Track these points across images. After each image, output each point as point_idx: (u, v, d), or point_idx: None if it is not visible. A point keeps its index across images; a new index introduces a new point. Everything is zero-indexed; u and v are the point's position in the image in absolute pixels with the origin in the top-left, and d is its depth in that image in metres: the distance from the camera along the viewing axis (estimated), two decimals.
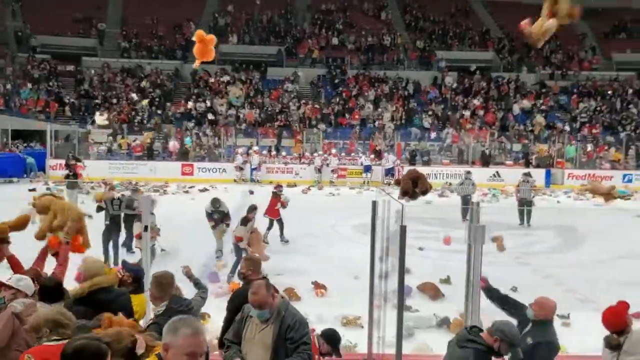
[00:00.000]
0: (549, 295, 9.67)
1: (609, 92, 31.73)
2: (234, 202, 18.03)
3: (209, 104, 29.68)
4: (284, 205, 12.70)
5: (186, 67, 32.84)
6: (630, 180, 24.35)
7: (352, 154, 26.45)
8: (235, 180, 24.23)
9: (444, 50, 34.93)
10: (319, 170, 24.53)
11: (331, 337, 4.84)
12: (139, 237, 10.10)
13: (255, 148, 25.70)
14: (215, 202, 11.81)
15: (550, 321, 4.37)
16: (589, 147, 27.11)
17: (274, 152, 26.67)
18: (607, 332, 7.84)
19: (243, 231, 10.21)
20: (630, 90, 31.92)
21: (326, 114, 29.64)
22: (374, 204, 4.81)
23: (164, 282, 4.09)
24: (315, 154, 25.60)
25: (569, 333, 7.94)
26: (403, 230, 3.69)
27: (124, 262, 5.07)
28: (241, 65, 33.39)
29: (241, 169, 24.71)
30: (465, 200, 16.63)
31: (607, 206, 19.16)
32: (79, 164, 21.58)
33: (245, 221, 10.39)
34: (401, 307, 3.77)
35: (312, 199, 19.99)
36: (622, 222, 16.19)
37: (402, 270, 3.75)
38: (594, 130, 28.80)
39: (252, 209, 10.72)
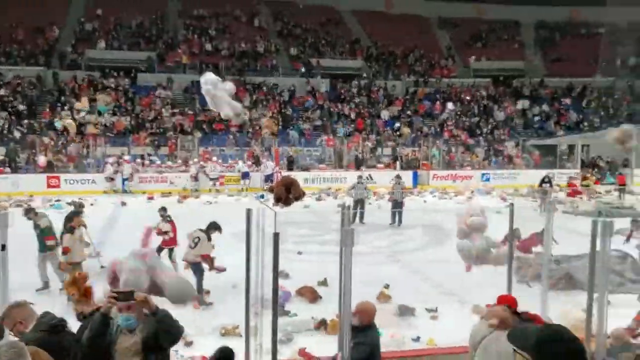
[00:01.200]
0: (417, 289, 10.34)
1: (467, 98, 34.35)
2: (105, 214, 17.20)
3: (75, 112, 27.97)
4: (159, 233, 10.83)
5: (49, 73, 30.74)
6: (488, 179, 26.54)
7: (230, 161, 26.20)
8: (105, 192, 23.06)
9: (316, 58, 35.82)
10: (196, 179, 24.05)
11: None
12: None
13: (127, 157, 24.62)
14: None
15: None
16: (452, 150, 29.14)
17: (146, 161, 25.73)
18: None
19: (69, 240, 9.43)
20: (486, 95, 34.84)
21: (201, 120, 29.15)
22: (249, 211, 4.86)
23: None
24: (191, 162, 25.08)
25: (436, 326, 8.49)
26: (276, 237, 3.78)
27: None
28: (110, 71, 31.87)
29: (112, 179, 23.56)
30: (357, 204, 17.12)
31: (469, 204, 20.71)
32: None
33: (71, 229, 9.63)
34: (276, 313, 3.85)
35: (188, 209, 19.55)
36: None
37: (276, 276, 3.83)
38: (454, 133, 30.97)
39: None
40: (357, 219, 16.70)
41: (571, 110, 33.79)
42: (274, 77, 33.98)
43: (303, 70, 35.00)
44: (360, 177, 19.25)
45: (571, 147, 29.64)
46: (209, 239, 9.46)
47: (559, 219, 14.24)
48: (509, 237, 5.69)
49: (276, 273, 3.80)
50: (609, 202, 19.62)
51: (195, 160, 25.31)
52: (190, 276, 8.94)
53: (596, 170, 27.37)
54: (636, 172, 26.21)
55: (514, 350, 2.09)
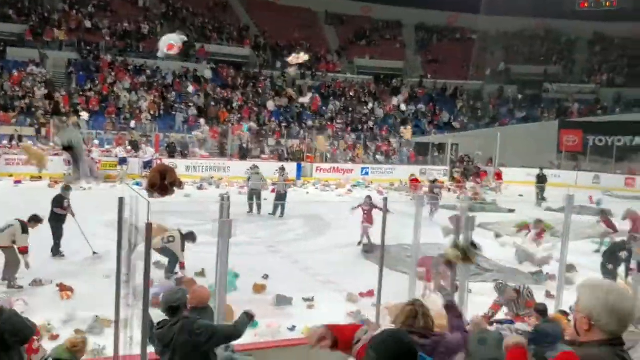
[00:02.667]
0: (296, 278, 10.52)
1: (351, 94, 35.35)
2: None
3: None
4: None
5: None
6: (367, 173, 27.55)
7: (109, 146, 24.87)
8: None
9: (202, 43, 34.98)
10: (69, 162, 22.54)
11: None
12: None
13: None
14: None
15: (205, 307, 4.74)
16: (335, 144, 29.86)
17: (14, 142, 23.72)
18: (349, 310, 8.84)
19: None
20: (367, 92, 36.07)
21: (77, 103, 27.39)
22: (121, 200, 4.66)
23: None
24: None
25: (313, 315, 8.71)
26: (149, 227, 3.67)
27: None
28: None
29: None
30: (254, 194, 17.05)
31: (348, 196, 21.40)
32: None
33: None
34: (146, 305, 3.75)
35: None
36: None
37: (148, 267, 3.73)
38: (336, 127, 31.77)
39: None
40: (267, 211, 16.73)
41: (444, 111, 35.94)
42: (157, 60, 32.70)
43: (188, 54, 34.03)
44: (255, 166, 19.02)
45: (442, 145, 31.55)
46: (25, 230, 9.15)
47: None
48: (382, 227, 5.96)
49: (148, 263, 3.70)
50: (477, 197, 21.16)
51: None
52: None
53: (464, 167, 29.34)
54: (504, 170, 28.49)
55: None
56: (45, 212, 10.51)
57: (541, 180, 23.20)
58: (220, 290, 4.13)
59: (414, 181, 21.87)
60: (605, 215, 14.16)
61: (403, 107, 34.25)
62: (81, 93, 28.13)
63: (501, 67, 39.50)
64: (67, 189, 11.63)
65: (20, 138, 23.94)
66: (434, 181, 19.60)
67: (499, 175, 26.28)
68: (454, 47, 40.78)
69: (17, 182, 20.32)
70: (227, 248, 4.01)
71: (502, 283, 8.01)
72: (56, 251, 10.92)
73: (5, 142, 23.38)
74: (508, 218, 17.62)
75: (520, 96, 37.57)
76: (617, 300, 2.22)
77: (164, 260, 9.90)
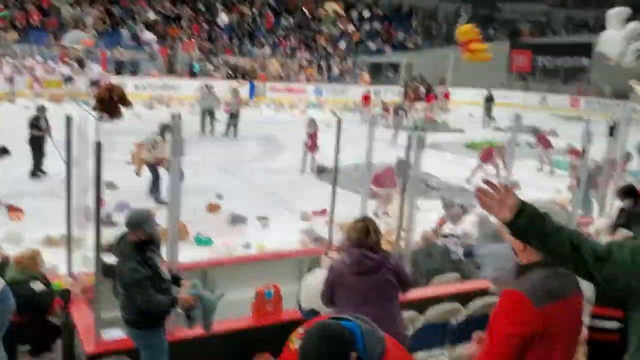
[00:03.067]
0: (250, 198, 10.61)
1: (304, 9, 34.29)
2: None
3: None
4: None
5: None
6: (320, 93, 27.33)
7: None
8: None
9: None
10: (11, 81, 21.48)
11: None
12: None
13: None
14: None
15: None
16: (288, 62, 29.30)
17: None
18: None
19: None
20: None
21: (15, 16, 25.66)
22: (69, 119, 4.54)
23: None
24: (3, 61, 22.27)
25: (267, 233, 8.91)
26: (98, 146, 3.61)
27: None
28: None
29: None
30: (207, 114, 16.78)
31: (301, 117, 21.32)
32: None
33: None
34: (98, 225, 3.75)
35: (4, 113, 17.63)
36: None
37: (99, 187, 3.70)
38: (289, 46, 31.06)
39: None
40: (220, 131, 16.59)
41: (399, 30, 35.50)
42: None
43: None
44: (207, 85, 18.56)
45: (396, 66, 31.42)
46: None
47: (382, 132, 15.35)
48: (336, 146, 6.01)
49: (98, 184, 3.67)
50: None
51: (8, 60, 22.47)
52: None
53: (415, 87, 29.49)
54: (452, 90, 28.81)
55: None
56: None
57: (489, 100, 23.67)
58: (172, 209, 4.14)
59: (366, 98, 22.11)
60: (539, 133, 14.75)
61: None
62: (19, 6, 26.32)
63: None
64: (42, 109, 11.13)
65: None
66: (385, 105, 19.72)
67: (446, 96, 26.72)
68: None
69: None
70: (180, 166, 3.99)
71: (448, 199, 8.34)
72: (35, 172, 10.68)
73: None
74: (458, 138, 18.08)
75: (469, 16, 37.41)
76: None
77: (116, 178, 9.71)
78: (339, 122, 5.81)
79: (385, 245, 4.01)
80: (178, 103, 21.89)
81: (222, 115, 17.61)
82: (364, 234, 3.57)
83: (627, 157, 9.56)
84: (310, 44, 31.82)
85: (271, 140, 16.46)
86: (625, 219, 5.61)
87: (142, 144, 9.90)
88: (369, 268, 3.49)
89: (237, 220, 9.28)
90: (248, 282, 5.01)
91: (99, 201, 3.71)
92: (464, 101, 27.84)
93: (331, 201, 5.90)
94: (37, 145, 10.65)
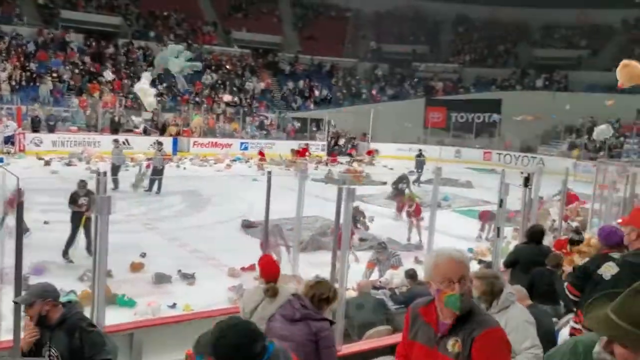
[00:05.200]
0: (174, 256, 10.31)
1: (228, 67, 34.71)
2: None
3: None
4: None
5: None
6: (246, 148, 27.39)
7: None
8: None
9: (68, 10, 32.38)
10: None
11: None
12: None
13: None
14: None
15: None
16: (213, 117, 29.29)
17: None
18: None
19: None
20: (245, 66, 35.62)
21: None
22: None
23: None
24: None
25: (193, 291, 8.65)
26: (20, 206, 3.45)
27: None
28: None
29: None
30: (115, 169, 16.64)
31: (227, 171, 21.26)
32: None
33: None
34: (19, 288, 3.54)
35: None
36: (241, 185, 18.15)
37: (20, 247, 3.51)
38: (217, 100, 31.14)
39: None
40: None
41: (322, 87, 36.53)
42: (18, 26, 29.80)
43: (51, 21, 31.37)
44: (116, 140, 18.37)
45: (319, 121, 32.16)
46: None
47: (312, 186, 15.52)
48: (267, 201, 6.04)
49: (20, 244, 3.48)
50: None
51: None
52: None
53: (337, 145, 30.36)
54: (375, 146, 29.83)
55: None
56: None
57: (419, 156, 24.14)
58: (99, 273, 3.98)
59: (301, 153, 22.64)
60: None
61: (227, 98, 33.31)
62: None
63: (372, 45, 40.82)
64: None
65: None
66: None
67: (370, 152, 27.74)
68: (329, 24, 41.34)
69: None
70: (106, 225, 3.86)
71: (378, 245, 8.61)
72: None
73: None
74: (381, 189, 18.54)
75: (386, 75, 39.27)
76: None
77: (34, 239, 9.17)
78: (269, 176, 5.85)
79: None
80: (99, 159, 21.15)
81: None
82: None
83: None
84: (234, 99, 32.04)
85: (195, 195, 16.21)
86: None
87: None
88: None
89: (161, 279, 8.98)
90: (177, 345, 4.82)
91: (19, 263, 3.51)
92: (384, 155, 28.77)
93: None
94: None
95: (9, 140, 21.40)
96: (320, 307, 3.64)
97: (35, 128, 23.40)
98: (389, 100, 36.28)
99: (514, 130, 31.25)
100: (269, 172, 6.10)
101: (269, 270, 4.15)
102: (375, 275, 8.63)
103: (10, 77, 26.02)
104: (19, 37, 29.14)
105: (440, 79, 39.10)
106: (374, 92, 37.45)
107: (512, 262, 6.33)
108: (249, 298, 4.13)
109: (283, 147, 27.21)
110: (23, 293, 3.61)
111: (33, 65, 27.67)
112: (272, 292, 3.89)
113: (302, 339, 3.42)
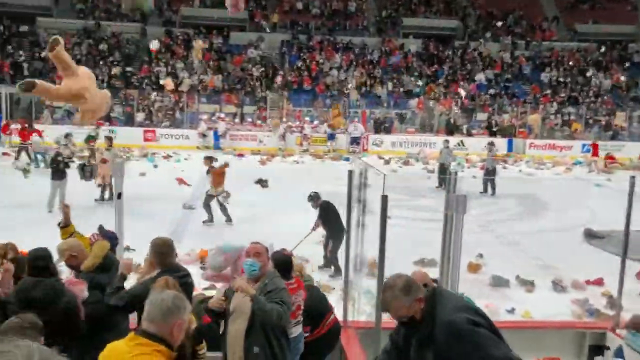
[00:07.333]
0: (513, 261, 9.97)
1: (570, 63, 32.21)
2: (200, 168, 17.75)
3: (170, 68, 28.90)
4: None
5: (147, 29, 31.90)
6: (588, 150, 24.91)
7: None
8: (198, 147, 23.74)
9: (409, 17, 34.66)
10: (283, 138, 24.31)
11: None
12: None
13: (222, 115, 25.37)
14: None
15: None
16: (551, 118, 27.61)
17: (237, 120, 26.38)
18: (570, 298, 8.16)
19: None
20: (589, 61, 32.50)
21: (291, 80, 29.22)
22: (350, 173, 4.78)
23: (164, 251, 3.97)
24: (272, 120, 25.51)
25: (534, 299, 8.21)
26: (384, 200, 3.67)
27: (100, 228, 4.90)
28: (204, 29, 32.42)
29: (204, 135, 24.31)
30: (443, 169, 16.85)
31: (566, 175, 19.78)
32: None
33: None
34: (381, 278, 3.76)
35: (276, 168, 19.86)
36: (582, 191, 16.68)
37: (384, 240, 3.74)
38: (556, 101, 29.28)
39: None
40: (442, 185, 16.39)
41: None
42: (363, 37, 33.34)
43: (394, 30, 34.11)
44: (446, 141, 18.68)
45: None
46: None
47: None
48: (628, 209, 5.27)
49: (383, 236, 3.71)
50: None
51: (284, 120, 25.56)
52: None
53: None
54: None
55: None
56: None
57: None
58: (449, 266, 3.98)
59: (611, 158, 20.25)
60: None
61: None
62: (294, 73, 29.84)
63: None
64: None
65: (242, 116, 26.59)
66: None
67: None
68: None
69: (240, 155, 22.40)
70: (461, 223, 3.84)
71: None
72: None
73: (227, 118, 25.78)
74: None
75: None
76: None
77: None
78: (632, 181, 5.08)
79: None
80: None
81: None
82: None
83: None
84: (575, 98, 29.61)
85: (531, 198, 15.46)
86: None
87: None
88: None
89: (499, 282, 8.78)
90: (522, 351, 4.54)
91: (383, 253, 3.72)
92: None
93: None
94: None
95: (354, 141, 24.00)
96: None
97: (377, 130, 25.83)
98: None
99: None
100: (632, 177, 5.29)
101: None
102: None
103: (361, 84, 29.13)
104: (366, 47, 32.39)
105: None
106: None
107: None
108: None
109: (632, 150, 24.07)
110: None
111: (375, 73, 30.43)
112: None
113: None
